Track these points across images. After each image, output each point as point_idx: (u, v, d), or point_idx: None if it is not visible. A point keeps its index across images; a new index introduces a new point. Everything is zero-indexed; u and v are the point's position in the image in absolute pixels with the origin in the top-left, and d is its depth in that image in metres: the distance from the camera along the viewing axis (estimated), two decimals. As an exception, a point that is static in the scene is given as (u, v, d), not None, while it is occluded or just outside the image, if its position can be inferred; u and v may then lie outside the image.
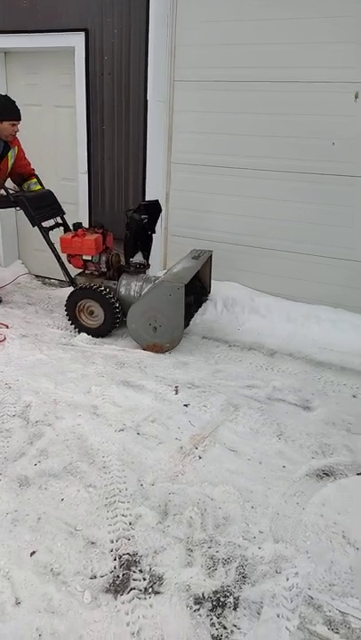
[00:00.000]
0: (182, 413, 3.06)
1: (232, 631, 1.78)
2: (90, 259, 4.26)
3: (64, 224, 4.51)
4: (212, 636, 1.77)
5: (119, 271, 4.34)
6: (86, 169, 5.06)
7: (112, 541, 2.14)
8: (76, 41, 4.73)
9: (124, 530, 2.19)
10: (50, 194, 4.49)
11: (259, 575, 2.00)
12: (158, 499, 2.37)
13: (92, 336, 4.21)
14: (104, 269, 4.32)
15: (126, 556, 2.07)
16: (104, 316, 4.16)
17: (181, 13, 4.47)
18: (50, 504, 2.31)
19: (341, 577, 1.99)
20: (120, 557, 2.07)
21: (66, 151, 5.25)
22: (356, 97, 3.91)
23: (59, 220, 4.48)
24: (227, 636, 1.77)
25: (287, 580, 1.97)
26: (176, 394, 3.29)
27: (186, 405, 3.15)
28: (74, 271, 4.46)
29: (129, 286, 4.22)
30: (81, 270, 4.42)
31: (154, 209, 4.24)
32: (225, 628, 1.80)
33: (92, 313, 4.23)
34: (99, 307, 4.15)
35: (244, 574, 2.00)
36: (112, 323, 4.16)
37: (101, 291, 4.10)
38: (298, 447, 2.79)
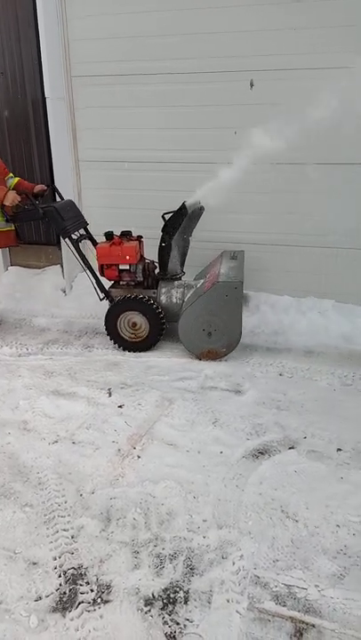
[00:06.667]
0: (117, 415, 3.02)
1: (185, 625, 1.79)
2: (127, 268, 3.98)
3: (89, 235, 4.19)
4: (166, 634, 1.76)
5: (155, 279, 4.11)
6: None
7: (55, 558, 2.07)
8: None
9: (66, 544, 2.12)
10: (72, 204, 4.19)
11: (206, 564, 2.02)
12: (100, 506, 2.32)
13: (137, 351, 3.93)
14: (140, 279, 4.04)
15: (71, 571, 2.01)
16: (149, 327, 3.88)
17: (71, 8, 4.35)
18: (-16, 532, 2.19)
19: (284, 551, 2.07)
20: (65, 573, 2.00)
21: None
22: (252, 85, 4.02)
23: (82, 231, 4.14)
24: (180, 632, 1.77)
25: (233, 564, 2.01)
26: (110, 396, 3.24)
27: (120, 406, 3.11)
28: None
29: (169, 294, 3.97)
30: (112, 283, 4.11)
31: (197, 211, 3.94)
32: (177, 623, 1.80)
33: (134, 325, 3.94)
34: (143, 318, 3.88)
35: (192, 566, 2.02)
36: (158, 333, 3.90)
37: (146, 300, 3.83)
38: (233, 431, 2.85)
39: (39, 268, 5.19)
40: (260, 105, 4.09)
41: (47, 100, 4.42)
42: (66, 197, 4.32)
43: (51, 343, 4.15)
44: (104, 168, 4.73)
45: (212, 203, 3.82)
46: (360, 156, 4.01)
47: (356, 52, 3.74)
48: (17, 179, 4.16)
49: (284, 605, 1.84)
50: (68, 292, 4.98)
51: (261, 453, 2.65)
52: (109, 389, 3.31)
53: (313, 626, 1.77)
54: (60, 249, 4.92)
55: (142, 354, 3.90)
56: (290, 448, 2.69)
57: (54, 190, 4.30)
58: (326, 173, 4.11)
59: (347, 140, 3.78)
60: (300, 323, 4.15)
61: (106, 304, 4.04)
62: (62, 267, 5.00)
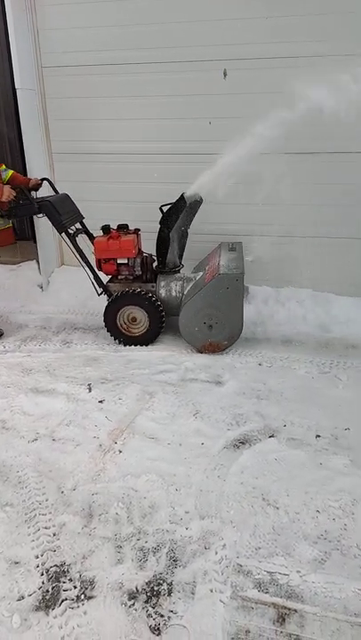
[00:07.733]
0: (98, 410, 3.00)
1: (169, 617, 1.80)
2: (125, 262, 3.89)
3: (85, 229, 4.06)
4: (150, 627, 1.77)
5: (153, 273, 4.02)
6: None
7: (37, 556, 2.05)
8: None
9: (48, 542, 2.10)
10: (68, 197, 4.05)
11: (189, 555, 2.03)
12: (81, 502, 2.30)
13: (138, 345, 3.88)
14: (139, 273, 3.96)
15: (54, 569, 2.00)
16: (149, 321, 3.83)
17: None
18: (-36, 533, 2.16)
19: (266, 538, 2.09)
20: (47, 571, 1.99)
21: None
22: (225, 74, 4.00)
23: (78, 225, 4.01)
24: (164, 624, 1.78)
25: (216, 553, 2.02)
26: (90, 392, 3.21)
27: (101, 402, 3.09)
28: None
29: (169, 287, 3.91)
30: (110, 277, 4.02)
31: (194, 203, 3.84)
32: (162, 615, 1.80)
33: (134, 320, 3.89)
34: (142, 312, 3.82)
35: (175, 558, 2.02)
36: (158, 327, 3.85)
37: (145, 294, 3.77)
38: (214, 422, 2.86)
39: (14, 264, 5.11)
40: (235, 94, 4.07)
41: (18, 92, 4.32)
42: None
43: (29, 340, 4.10)
44: (78, 160, 4.65)
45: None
46: (341, 145, 4.02)
47: (328, 40, 3.76)
48: (11, 172, 4.00)
49: (266, 592, 1.87)
50: (45, 288, 4.91)
51: (242, 443, 2.67)
52: (89, 385, 3.28)
53: (295, 611, 1.79)
54: (36, 244, 4.84)
55: (122, 348, 3.88)
56: (270, 437, 2.72)
57: (49, 183, 4.17)
58: (306, 163, 4.12)
59: (327, 128, 3.78)
60: (279, 313, 4.18)
61: (91, 300, 3.99)
62: (38, 262, 4.92)
